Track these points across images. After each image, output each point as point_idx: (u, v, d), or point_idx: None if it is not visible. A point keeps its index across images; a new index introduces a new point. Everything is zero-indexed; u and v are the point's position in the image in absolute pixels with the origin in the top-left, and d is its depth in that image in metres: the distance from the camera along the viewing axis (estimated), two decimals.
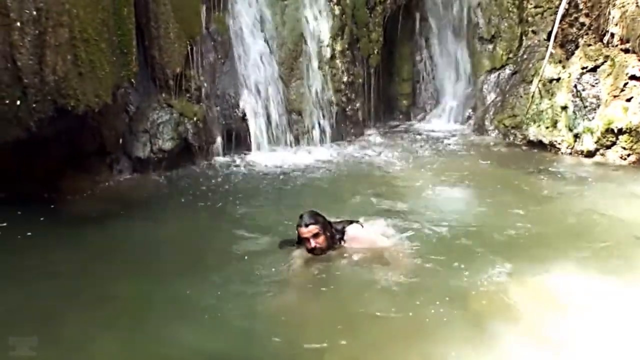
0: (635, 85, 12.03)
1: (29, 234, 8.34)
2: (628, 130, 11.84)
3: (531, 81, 13.99)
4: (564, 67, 13.38)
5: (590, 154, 12.44)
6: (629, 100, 11.99)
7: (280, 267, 7.44)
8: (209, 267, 7.65)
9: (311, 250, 7.41)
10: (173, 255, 8.05)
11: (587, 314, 6.36)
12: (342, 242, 7.60)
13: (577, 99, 12.76)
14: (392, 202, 8.75)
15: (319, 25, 13.91)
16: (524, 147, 13.59)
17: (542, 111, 13.39)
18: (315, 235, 7.37)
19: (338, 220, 7.91)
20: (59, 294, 6.87)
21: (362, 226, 7.86)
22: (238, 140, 12.94)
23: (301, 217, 7.52)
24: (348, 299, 6.78)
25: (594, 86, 12.64)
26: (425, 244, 8.05)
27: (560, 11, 12.18)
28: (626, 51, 12.60)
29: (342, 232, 7.65)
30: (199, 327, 6.25)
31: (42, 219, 8.93)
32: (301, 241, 7.56)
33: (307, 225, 7.41)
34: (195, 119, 11.89)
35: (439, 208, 9.66)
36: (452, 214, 9.39)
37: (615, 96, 12.17)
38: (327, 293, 6.97)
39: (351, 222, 7.87)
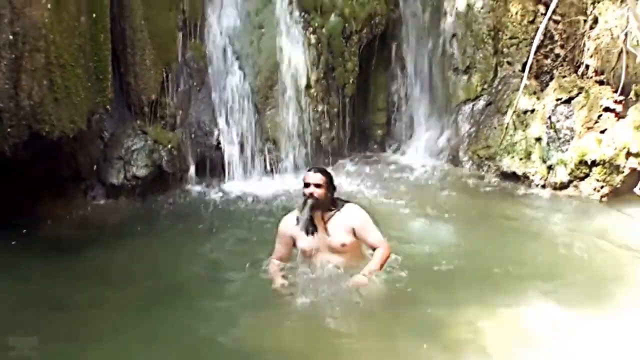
0: (609, 117, 12.14)
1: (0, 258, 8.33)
2: (602, 163, 11.89)
3: (505, 112, 14.04)
4: (538, 98, 13.47)
5: (563, 186, 12.49)
6: (602, 132, 12.07)
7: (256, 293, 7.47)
8: (180, 294, 7.65)
9: (307, 197, 7.46)
10: (146, 282, 8.02)
11: (560, 347, 6.41)
12: (338, 212, 7.62)
13: (551, 131, 12.85)
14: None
15: (294, 54, 13.96)
16: (497, 179, 13.61)
17: (516, 142, 13.46)
18: (318, 186, 7.45)
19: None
20: (28, 320, 6.85)
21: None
22: (212, 168, 12.95)
23: (310, 168, 7.84)
24: (326, 326, 6.80)
25: (568, 118, 12.73)
26: (399, 275, 8.06)
27: (536, 42, 12.27)
28: (601, 83, 12.74)
29: (343, 204, 7.72)
30: (173, 354, 6.25)
31: (13, 243, 8.90)
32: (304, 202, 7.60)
33: (315, 172, 7.58)
34: (169, 146, 11.89)
35: (412, 240, 9.66)
36: (425, 246, 9.40)
37: (589, 128, 12.26)
38: (305, 318, 6.97)
39: (348, 201, 7.96)
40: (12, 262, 8.35)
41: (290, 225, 7.77)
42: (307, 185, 7.47)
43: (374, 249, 7.66)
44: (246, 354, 6.37)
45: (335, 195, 7.73)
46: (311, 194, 7.42)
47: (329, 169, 8.25)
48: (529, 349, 6.33)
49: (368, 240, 7.70)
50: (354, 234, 7.59)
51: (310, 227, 7.54)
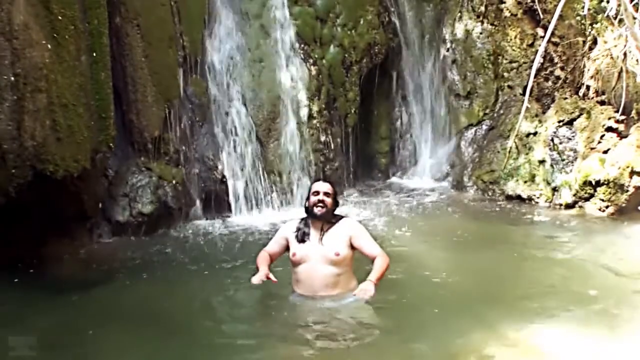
0: (611, 137, 12.19)
1: (5, 298, 8.34)
2: (606, 182, 11.94)
3: (508, 136, 14.10)
4: (540, 121, 13.54)
5: (568, 207, 12.55)
6: (605, 152, 12.13)
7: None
8: (186, 333, 7.57)
9: (315, 205, 7.55)
10: (151, 322, 7.89)
11: None
12: (336, 224, 7.66)
13: (554, 153, 12.91)
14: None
15: (295, 86, 14.05)
16: (502, 202, 13.67)
17: (520, 166, 13.53)
18: (327, 194, 7.57)
19: None
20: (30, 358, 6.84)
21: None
22: (217, 202, 12.97)
23: (317, 178, 8.17)
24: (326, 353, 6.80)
25: (570, 139, 12.79)
26: (403, 300, 8.06)
27: (535, 65, 12.28)
28: (602, 103, 12.80)
29: (340, 218, 7.79)
30: None
31: (16, 280, 8.90)
32: (306, 209, 7.76)
33: (324, 182, 7.77)
34: (174, 182, 11.91)
35: (419, 266, 9.64)
36: (432, 271, 9.38)
37: (592, 148, 12.32)
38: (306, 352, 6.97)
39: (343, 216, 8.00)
40: (17, 301, 8.32)
41: (289, 229, 7.85)
42: (316, 193, 7.57)
43: (372, 260, 7.68)
44: None
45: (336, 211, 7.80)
46: (321, 201, 7.53)
47: None
48: None
49: (365, 249, 7.74)
50: (350, 245, 7.62)
51: (304, 234, 7.60)
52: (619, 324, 7.35)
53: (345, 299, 7.58)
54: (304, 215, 7.79)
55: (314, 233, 7.61)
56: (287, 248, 7.87)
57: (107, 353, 7.01)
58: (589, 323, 7.28)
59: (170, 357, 6.86)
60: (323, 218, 7.57)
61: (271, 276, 7.65)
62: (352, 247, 7.64)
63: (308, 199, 7.69)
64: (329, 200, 7.55)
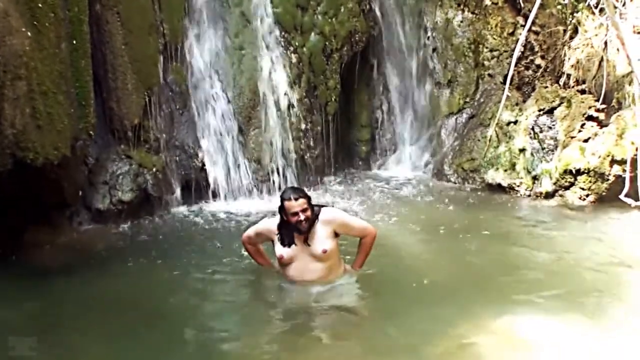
0: (592, 126, 12.23)
1: None
2: (586, 171, 12.01)
3: (489, 124, 14.11)
4: (520, 109, 13.56)
5: (549, 196, 12.60)
6: (586, 141, 12.17)
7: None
8: (166, 319, 7.56)
9: (298, 223, 7.43)
10: (133, 308, 7.88)
11: (550, 356, 6.42)
12: (316, 220, 7.60)
13: (535, 141, 12.94)
14: (351, 248, 8.73)
15: (276, 74, 14.01)
16: (483, 191, 13.70)
17: (500, 154, 13.54)
18: (304, 210, 7.41)
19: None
20: (11, 343, 6.82)
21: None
22: (198, 190, 12.95)
23: (285, 191, 7.64)
24: (312, 345, 6.80)
25: (551, 128, 12.83)
26: (386, 289, 8.09)
27: (516, 54, 12.32)
28: (582, 92, 12.84)
29: (319, 210, 7.70)
30: None
31: None
32: (282, 224, 7.68)
33: (296, 199, 7.43)
34: (154, 169, 11.90)
35: (400, 254, 9.70)
36: (413, 259, 9.47)
37: (572, 137, 12.35)
38: (291, 341, 6.98)
39: (322, 205, 7.93)
40: None
41: (271, 229, 7.82)
42: (295, 214, 7.41)
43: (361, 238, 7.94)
44: None
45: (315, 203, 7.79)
46: (302, 220, 7.43)
47: (310, 190, 8.27)
48: (518, 355, 6.34)
49: (352, 234, 7.95)
50: (335, 234, 7.65)
51: (288, 240, 7.60)
52: (601, 312, 7.43)
53: (333, 284, 7.76)
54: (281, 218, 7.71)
55: (297, 235, 7.61)
56: (269, 240, 7.91)
57: (87, 341, 7.00)
58: (570, 311, 7.34)
59: (152, 345, 6.84)
60: (309, 229, 7.55)
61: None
62: (336, 235, 7.67)
63: (285, 215, 7.56)
64: (308, 214, 7.46)
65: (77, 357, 6.68)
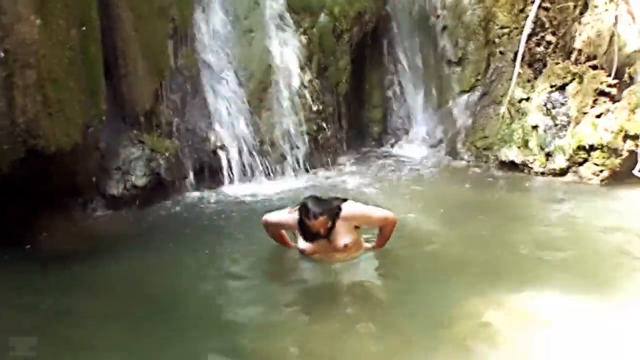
0: (604, 101, 12.15)
1: None
2: (599, 147, 11.92)
3: (501, 102, 14.04)
4: (532, 86, 13.47)
5: (562, 172, 12.54)
6: (599, 116, 12.09)
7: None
8: (188, 306, 7.56)
9: (318, 233, 7.50)
10: (149, 295, 7.87)
11: (570, 334, 6.37)
12: (337, 218, 7.60)
13: (547, 118, 12.86)
14: (366, 228, 8.73)
15: (286, 56, 13.98)
16: (496, 168, 13.65)
17: (513, 131, 13.46)
18: (323, 225, 7.46)
19: (329, 198, 7.97)
20: (27, 327, 6.81)
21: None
22: (211, 173, 12.92)
23: (306, 207, 7.51)
24: (326, 324, 6.78)
25: (563, 104, 12.75)
26: (402, 269, 8.08)
27: (526, 30, 12.28)
28: (594, 67, 12.72)
29: (340, 207, 7.67)
30: None
31: (6, 257, 8.84)
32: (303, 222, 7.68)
33: (316, 217, 7.42)
34: (167, 154, 11.86)
35: (414, 233, 9.64)
36: (427, 238, 9.42)
37: (584, 113, 12.27)
38: (303, 321, 6.98)
39: (343, 199, 7.93)
40: (13, 275, 8.31)
41: (292, 225, 7.88)
42: (315, 230, 7.51)
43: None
44: None
45: (333, 195, 7.78)
46: (322, 233, 7.56)
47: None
48: (535, 338, 6.30)
49: (373, 224, 8.10)
50: (357, 227, 7.69)
51: (310, 237, 7.61)
52: (616, 292, 7.35)
53: (351, 261, 7.88)
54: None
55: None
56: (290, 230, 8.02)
57: (101, 328, 6.99)
58: (588, 290, 7.29)
59: (169, 331, 6.82)
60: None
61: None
62: (357, 227, 7.71)
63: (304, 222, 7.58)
64: (328, 226, 7.51)
65: (91, 343, 6.66)
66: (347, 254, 7.85)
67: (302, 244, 7.74)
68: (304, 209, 7.53)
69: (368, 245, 8.17)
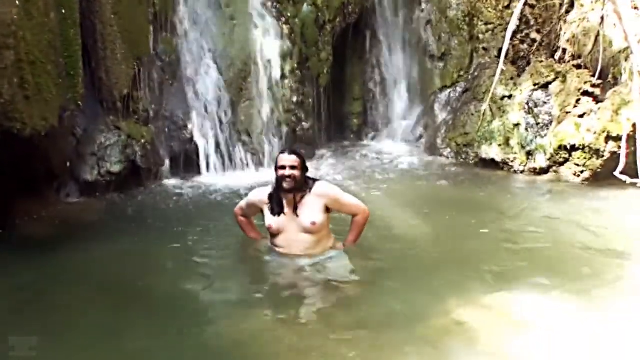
0: (587, 102, 12.22)
1: None
2: (581, 147, 12.01)
3: (483, 99, 14.12)
4: (515, 84, 13.55)
5: (543, 171, 12.65)
6: (581, 116, 12.16)
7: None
8: (159, 296, 7.56)
9: (282, 179, 7.49)
10: (119, 284, 7.83)
11: (544, 332, 6.43)
12: (309, 192, 7.64)
13: (529, 116, 12.95)
14: (343, 222, 8.75)
15: (268, 45, 14.01)
16: (476, 166, 13.75)
17: (494, 129, 13.54)
18: (293, 167, 7.47)
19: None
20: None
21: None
22: (187, 162, 12.97)
23: (283, 150, 7.81)
24: (303, 320, 6.81)
25: (546, 103, 12.84)
26: (376, 267, 8.08)
27: (511, 27, 12.34)
28: (578, 67, 12.84)
29: (313, 183, 7.74)
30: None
31: None
32: (273, 192, 7.74)
33: (290, 154, 7.57)
34: (143, 141, 11.88)
35: (392, 230, 9.65)
36: (405, 235, 9.42)
37: (567, 113, 12.35)
38: (282, 313, 6.99)
39: (317, 179, 7.96)
40: None
41: (262, 199, 7.85)
42: (282, 167, 7.48)
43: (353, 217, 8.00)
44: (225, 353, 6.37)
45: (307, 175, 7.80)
46: (287, 176, 7.47)
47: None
48: (512, 336, 6.32)
49: (344, 210, 7.99)
50: (327, 210, 7.68)
51: (277, 209, 7.63)
52: (595, 290, 7.38)
53: (322, 257, 7.79)
54: (275, 183, 7.74)
55: (287, 204, 7.65)
56: (260, 211, 7.94)
57: (71, 317, 6.97)
58: (565, 290, 7.31)
59: (137, 322, 6.83)
60: (293, 191, 7.56)
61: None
62: (328, 210, 7.70)
63: (276, 170, 7.62)
64: (296, 173, 7.47)
65: (63, 329, 6.66)
66: (315, 244, 7.78)
67: (269, 219, 7.76)
68: (281, 150, 7.85)
69: (340, 244, 8.17)
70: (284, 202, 7.64)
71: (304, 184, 7.63)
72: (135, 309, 7.07)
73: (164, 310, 7.03)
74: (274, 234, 7.80)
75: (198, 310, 7.13)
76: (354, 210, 7.95)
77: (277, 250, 7.86)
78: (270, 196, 7.72)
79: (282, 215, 7.63)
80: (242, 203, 8.28)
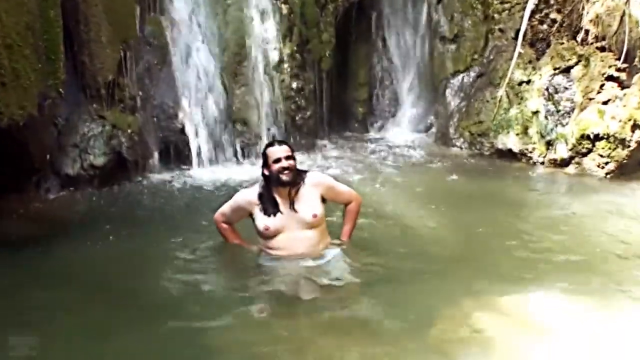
0: (612, 87, 12.18)
1: None
2: (605, 136, 11.97)
3: (499, 84, 14.08)
4: (534, 68, 13.51)
5: (564, 163, 12.62)
6: (605, 103, 12.13)
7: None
8: (146, 296, 7.57)
9: (280, 172, 7.40)
10: (103, 285, 7.85)
11: (564, 334, 6.42)
12: (303, 184, 7.60)
13: (549, 103, 12.92)
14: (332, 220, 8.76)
15: (265, 26, 13.98)
16: (492, 157, 13.73)
17: (512, 117, 13.52)
18: (289, 157, 7.42)
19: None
20: None
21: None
22: (177, 154, 12.94)
23: (270, 143, 7.78)
24: (307, 323, 6.81)
25: (567, 88, 12.80)
26: (383, 265, 8.08)
27: (529, 7, 12.34)
28: (602, 50, 12.77)
29: (305, 174, 7.70)
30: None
31: None
32: (263, 191, 7.63)
33: (281, 144, 7.56)
34: (129, 131, 11.84)
35: (401, 227, 9.65)
36: (415, 233, 9.42)
37: (590, 99, 12.32)
38: (281, 315, 6.99)
39: (307, 171, 7.94)
40: None
41: (251, 200, 7.73)
42: (278, 160, 7.39)
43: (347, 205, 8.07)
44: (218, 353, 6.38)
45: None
46: (286, 168, 7.39)
47: (302, 154, 8.30)
48: (531, 344, 6.32)
49: (339, 199, 8.03)
50: (323, 200, 7.67)
51: (272, 208, 7.58)
52: (620, 295, 7.38)
53: (323, 259, 7.75)
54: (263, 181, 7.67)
55: (282, 201, 7.56)
56: (248, 215, 7.88)
57: (56, 318, 6.98)
58: (587, 292, 7.29)
59: (121, 322, 6.85)
60: (292, 183, 7.51)
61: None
62: (323, 201, 7.70)
63: (267, 166, 7.51)
64: (293, 163, 7.44)
65: (43, 330, 6.67)
66: (319, 239, 7.74)
67: (264, 221, 7.68)
68: (268, 143, 7.81)
69: (336, 241, 8.14)
70: (278, 199, 7.58)
71: (299, 176, 7.61)
72: (123, 310, 7.07)
73: (155, 311, 7.03)
74: (270, 236, 7.72)
75: (189, 311, 7.11)
76: (347, 197, 8.00)
77: (276, 253, 7.77)
78: (261, 195, 7.65)
79: (278, 214, 7.57)
80: (225, 208, 8.09)
